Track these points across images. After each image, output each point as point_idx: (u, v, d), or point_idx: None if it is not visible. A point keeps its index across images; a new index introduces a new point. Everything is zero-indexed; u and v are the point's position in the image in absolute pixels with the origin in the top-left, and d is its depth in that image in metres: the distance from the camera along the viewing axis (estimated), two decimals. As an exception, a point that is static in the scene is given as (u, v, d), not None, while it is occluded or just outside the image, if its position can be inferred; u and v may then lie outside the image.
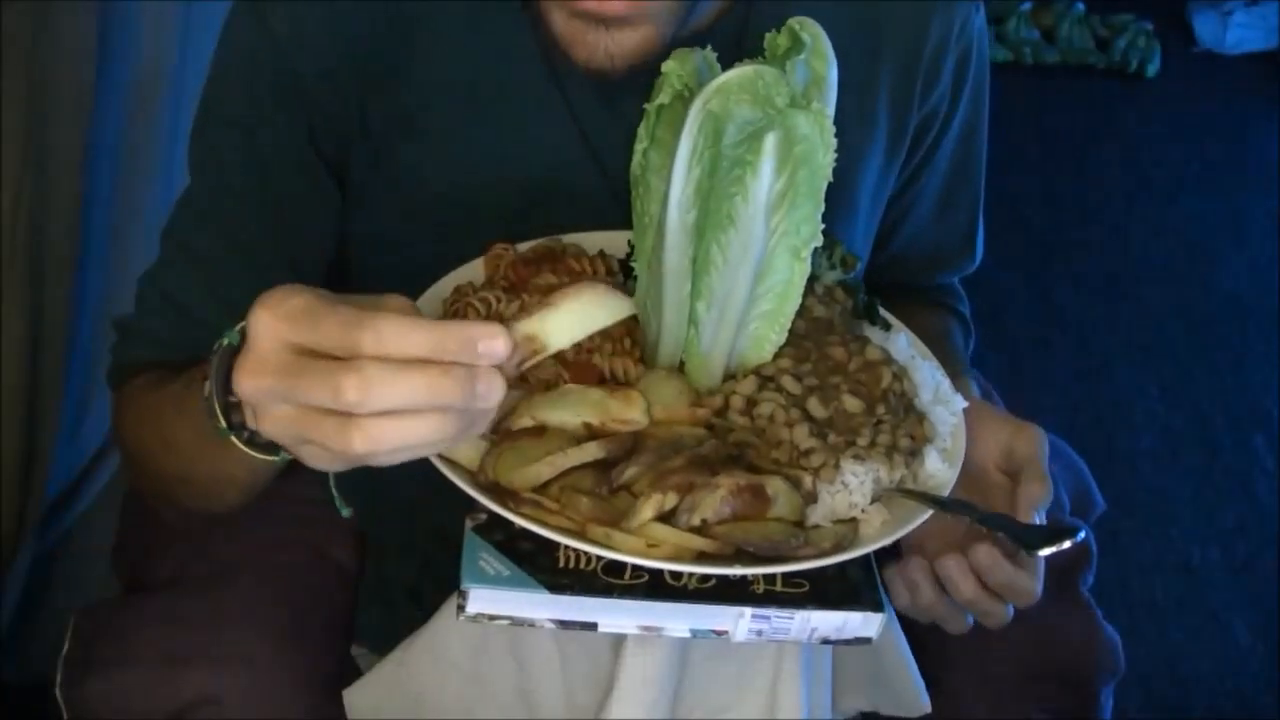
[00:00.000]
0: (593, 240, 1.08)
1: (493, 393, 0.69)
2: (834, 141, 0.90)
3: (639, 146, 0.96)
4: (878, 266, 1.21)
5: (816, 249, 0.95)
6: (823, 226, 0.94)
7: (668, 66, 0.94)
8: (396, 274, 1.12)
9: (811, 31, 0.95)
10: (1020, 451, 1.02)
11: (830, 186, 0.92)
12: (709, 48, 0.97)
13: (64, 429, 1.65)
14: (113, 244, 1.68)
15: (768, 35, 0.97)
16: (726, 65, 0.92)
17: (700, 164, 0.91)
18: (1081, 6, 4.80)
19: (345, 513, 0.81)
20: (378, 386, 0.66)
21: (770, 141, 0.89)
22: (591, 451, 0.86)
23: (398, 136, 1.09)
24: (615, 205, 1.10)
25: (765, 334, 0.96)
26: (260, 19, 1.06)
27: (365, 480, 0.93)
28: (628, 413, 0.89)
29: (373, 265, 1.16)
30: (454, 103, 1.09)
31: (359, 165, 1.11)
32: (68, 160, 1.51)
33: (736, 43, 1.05)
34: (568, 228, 1.09)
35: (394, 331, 0.67)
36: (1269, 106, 4.45)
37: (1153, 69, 4.62)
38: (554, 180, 1.11)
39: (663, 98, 0.94)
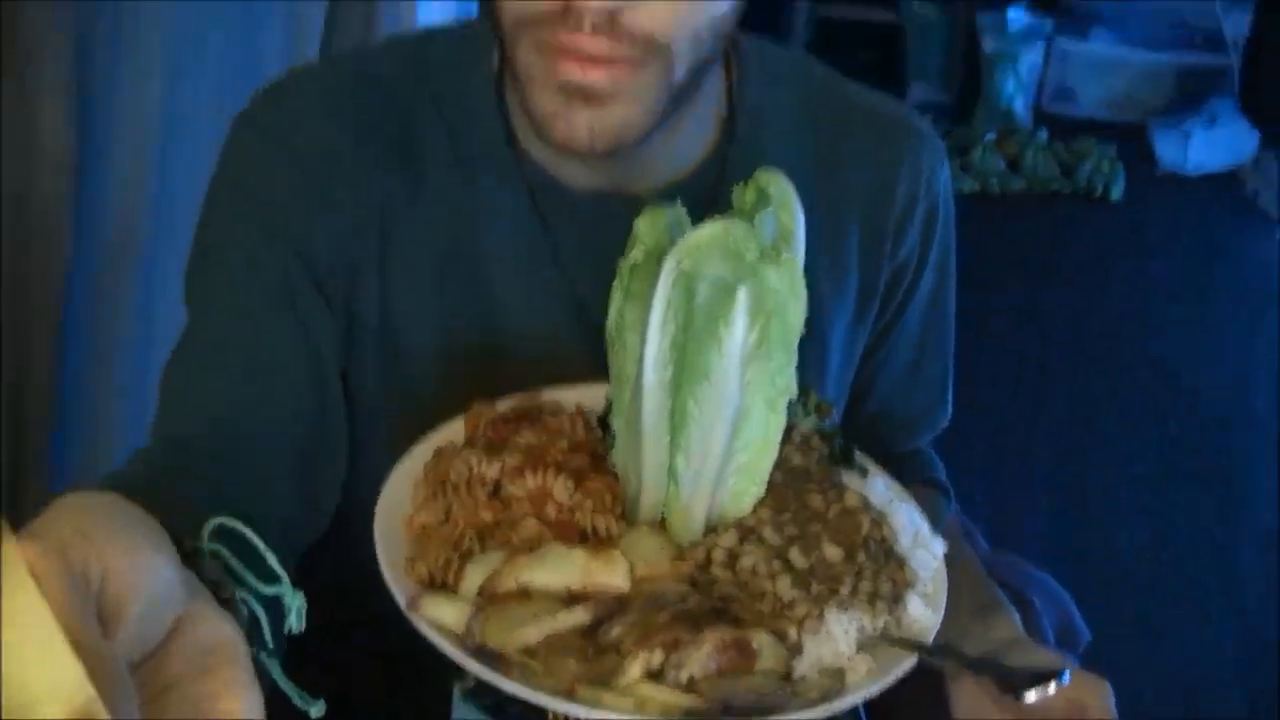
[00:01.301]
0: (571, 395, 1.09)
1: None
2: (805, 293, 0.92)
3: (613, 305, 0.97)
4: (855, 432, 1.20)
5: (791, 399, 0.96)
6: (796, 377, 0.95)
7: (639, 225, 0.95)
8: (383, 421, 1.13)
9: (779, 185, 0.98)
10: (1092, 710, 1.02)
11: (803, 340, 0.93)
12: (679, 202, 0.99)
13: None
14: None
15: (735, 189, 0.99)
16: (705, 211, 0.94)
17: (674, 320, 0.92)
18: (1044, 134, 4.90)
19: (315, 712, 0.69)
20: None
21: (742, 295, 0.91)
22: (578, 616, 0.86)
23: (392, 277, 1.10)
24: (600, 356, 1.11)
25: (745, 487, 0.96)
26: (281, 136, 1.07)
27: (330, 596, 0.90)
28: (610, 578, 0.89)
29: (363, 414, 1.15)
30: (440, 247, 1.10)
31: (366, 302, 1.10)
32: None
33: (714, 189, 1.08)
34: (554, 378, 1.10)
35: None
36: (1234, 221, 4.53)
37: (1117, 192, 4.71)
38: (540, 330, 1.12)
39: (635, 255, 0.95)
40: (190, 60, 1.68)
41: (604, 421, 1.03)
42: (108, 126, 1.60)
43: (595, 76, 0.94)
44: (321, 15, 2.05)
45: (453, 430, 1.05)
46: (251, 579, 0.69)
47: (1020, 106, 5.17)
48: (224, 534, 0.71)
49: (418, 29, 1.34)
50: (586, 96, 0.95)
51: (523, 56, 0.97)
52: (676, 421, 0.94)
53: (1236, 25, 5.29)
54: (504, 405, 1.06)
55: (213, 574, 0.67)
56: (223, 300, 1.07)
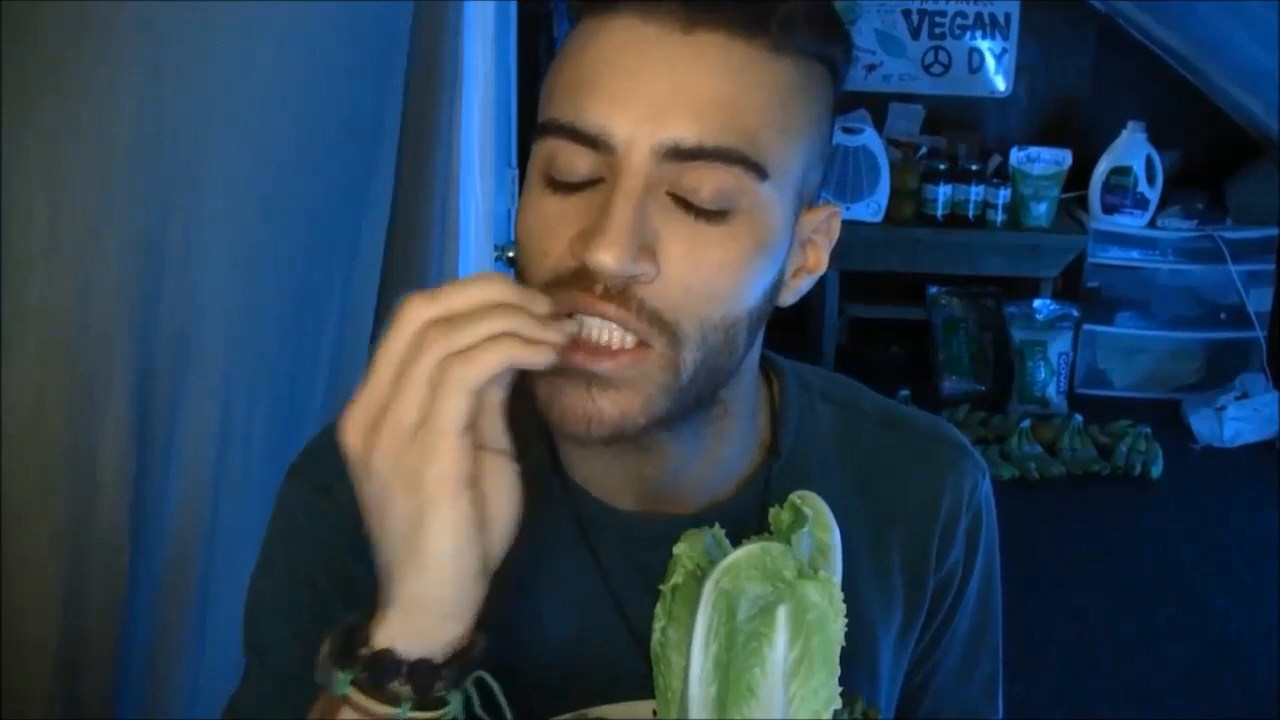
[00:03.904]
0: (620, 711, 1.10)
1: (544, 302, 0.88)
2: (843, 607, 0.94)
3: (657, 625, 0.99)
4: None
5: (836, 709, 0.97)
6: (840, 689, 0.96)
7: (679, 549, 0.98)
8: None
9: (813, 505, 1.01)
10: None
11: (853, 650, 0.95)
12: (717, 525, 1.02)
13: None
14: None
15: (772, 511, 1.02)
16: (752, 527, 0.98)
17: (717, 639, 0.94)
18: (1079, 418, 4.94)
19: None
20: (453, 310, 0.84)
21: (782, 613, 0.93)
22: None
23: None
24: (649, 671, 1.12)
25: (794, 802, 0.97)
26: (321, 485, 1.09)
27: None
28: None
29: None
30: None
31: None
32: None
33: (760, 507, 1.10)
34: (603, 696, 1.11)
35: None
36: (1276, 492, 4.52)
37: (1157, 470, 4.72)
38: (588, 646, 1.13)
39: (676, 578, 0.98)
40: (242, 410, 1.76)
41: (653, 740, 1.04)
42: (167, 472, 1.67)
43: (606, 366, 0.95)
44: (361, 367, 2.14)
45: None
46: None
47: (1053, 392, 5.25)
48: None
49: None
50: (586, 380, 0.96)
51: None
52: (724, 739, 0.96)
53: (1259, 300, 5.40)
54: (555, 726, 1.07)
55: None
56: (275, 660, 1.10)
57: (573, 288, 0.94)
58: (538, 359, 0.86)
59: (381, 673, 0.88)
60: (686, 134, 0.92)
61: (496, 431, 0.90)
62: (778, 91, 0.96)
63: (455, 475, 0.84)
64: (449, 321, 0.83)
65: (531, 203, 0.98)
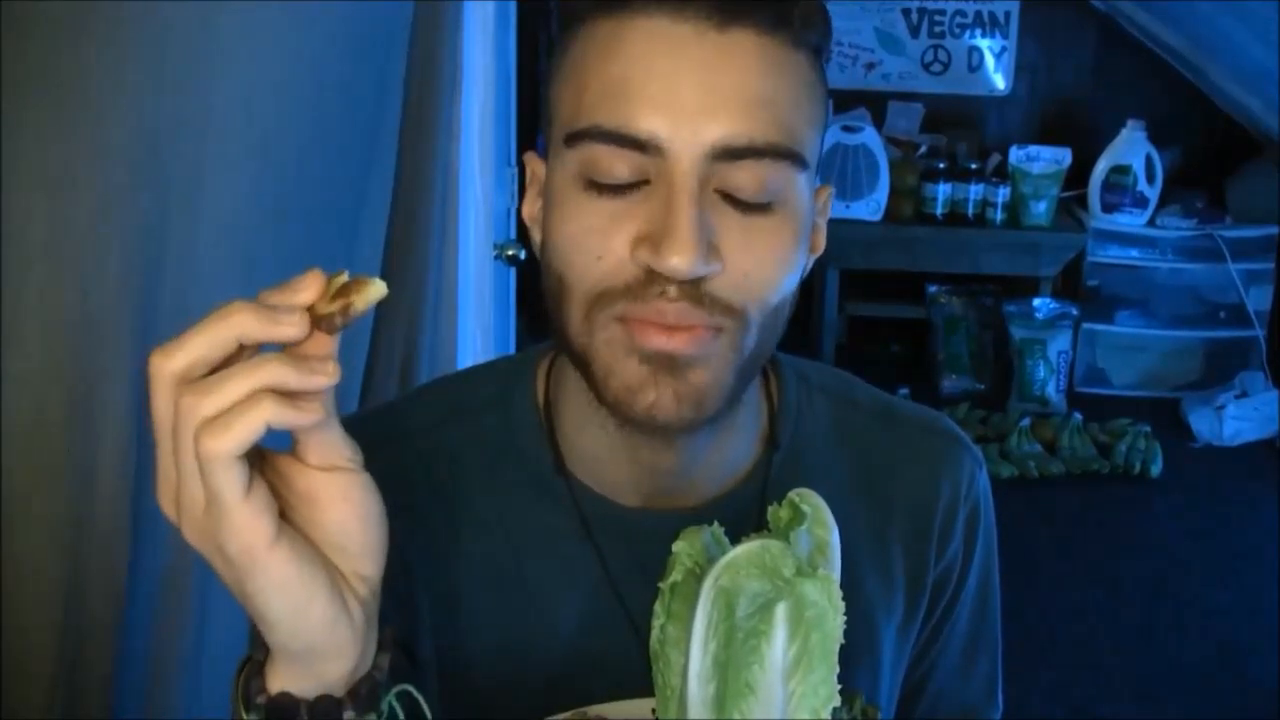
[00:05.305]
0: (619, 709, 1.10)
1: (293, 320, 0.77)
2: (842, 605, 0.95)
3: (656, 623, 0.99)
4: None
5: (835, 706, 0.98)
6: (839, 687, 0.97)
7: (678, 546, 0.99)
8: None
9: (811, 503, 1.01)
10: None
11: (856, 643, 0.95)
12: (715, 523, 1.02)
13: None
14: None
15: (770, 508, 1.02)
16: (753, 521, 1.00)
17: (716, 637, 0.95)
18: (1079, 416, 4.94)
19: None
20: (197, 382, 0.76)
21: (781, 610, 0.93)
22: None
23: (444, 613, 1.12)
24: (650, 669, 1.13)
25: (794, 799, 0.97)
26: None
27: None
28: None
29: None
30: (492, 576, 1.12)
31: (420, 633, 1.12)
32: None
33: (760, 500, 1.11)
34: (604, 694, 1.11)
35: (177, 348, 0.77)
36: (1275, 491, 4.52)
37: (1156, 469, 4.72)
38: (592, 646, 1.13)
39: (675, 576, 0.98)
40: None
41: (652, 737, 1.05)
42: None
43: (679, 343, 0.96)
44: (361, 366, 2.15)
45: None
46: None
47: (1052, 390, 5.25)
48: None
49: (456, 370, 1.38)
50: (670, 365, 0.97)
51: (600, 335, 0.99)
52: (724, 737, 0.96)
53: (1259, 299, 5.40)
54: (555, 722, 1.08)
55: None
56: None
57: (642, 296, 0.96)
58: (303, 420, 0.77)
59: (283, 714, 0.86)
60: (736, 133, 0.94)
61: (332, 445, 0.83)
62: (801, 83, 0.99)
63: (254, 544, 0.78)
64: (204, 382, 0.75)
65: (572, 208, 0.98)
